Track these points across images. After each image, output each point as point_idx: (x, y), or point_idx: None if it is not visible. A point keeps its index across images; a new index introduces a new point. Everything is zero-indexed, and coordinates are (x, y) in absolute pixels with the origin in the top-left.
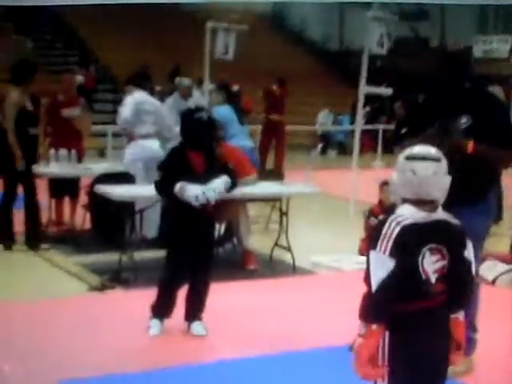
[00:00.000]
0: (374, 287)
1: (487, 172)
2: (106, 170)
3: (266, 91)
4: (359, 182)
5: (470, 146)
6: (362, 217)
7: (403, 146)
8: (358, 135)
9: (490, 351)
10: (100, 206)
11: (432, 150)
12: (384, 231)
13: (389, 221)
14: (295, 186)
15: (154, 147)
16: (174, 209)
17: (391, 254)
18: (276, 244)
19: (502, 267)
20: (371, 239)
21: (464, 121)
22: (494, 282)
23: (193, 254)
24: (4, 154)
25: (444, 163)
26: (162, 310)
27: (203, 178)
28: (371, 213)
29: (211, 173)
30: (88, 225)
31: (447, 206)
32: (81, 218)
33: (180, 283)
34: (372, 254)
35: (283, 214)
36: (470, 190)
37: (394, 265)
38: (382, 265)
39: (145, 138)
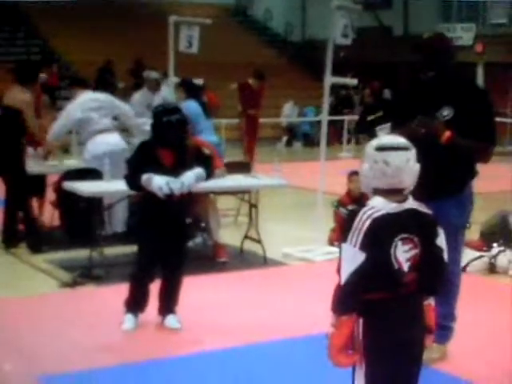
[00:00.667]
0: (343, 280)
1: (467, 163)
2: (72, 167)
3: (241, 85)
4: (326, 172)
5: (445, 136)
6: (331, 207)
7: (371, 135)
8: (324, 126)
9: (462, 337)
10: (68, 202)
11: (401, 139)
12: (355, 224)
13: (360, 213)
14: (263, 178)
15: (113, 140)
16: (142, 202)
17: (362, 247)
18: (246, 236)
19: (472, 254)
20: (343, 231)
21: (445, 113)
22: (464, 268)
23: (164, 247)
24: (15, 155)
25: (413, 151)
26: (135, 304)
27: (173, 172)
28: (340, 203)
29: (181, 167)
30: (57, 221)
31: (427, 198)
32: (49, 215)
33: (151, 277)
34: (343, 246)
35: (252, 206)
36: (451, 181)
37: (365, 258)
38: (352, 258)
39: (101, 132)
